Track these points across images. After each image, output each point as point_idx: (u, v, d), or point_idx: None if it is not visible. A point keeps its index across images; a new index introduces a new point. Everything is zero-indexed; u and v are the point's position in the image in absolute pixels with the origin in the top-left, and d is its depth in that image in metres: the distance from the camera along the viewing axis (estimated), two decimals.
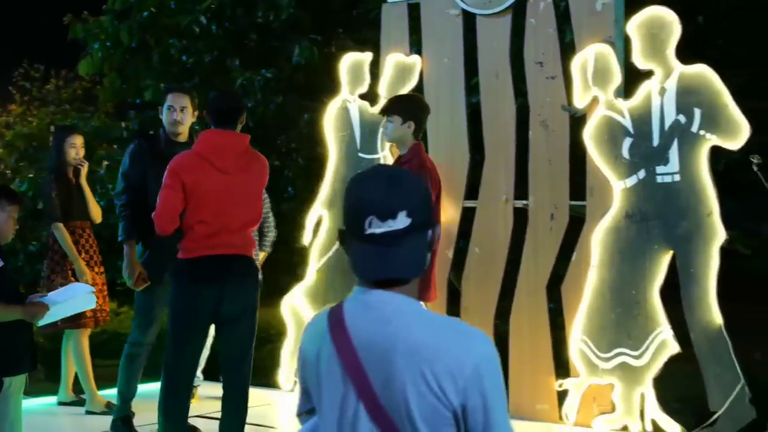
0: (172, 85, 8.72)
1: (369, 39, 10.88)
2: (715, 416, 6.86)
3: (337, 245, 8.48)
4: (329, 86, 11.52)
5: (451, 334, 2.57)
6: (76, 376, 7.98)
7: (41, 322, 6.12)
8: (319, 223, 8.62)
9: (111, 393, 7.86)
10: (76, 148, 7.83)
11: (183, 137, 7.03)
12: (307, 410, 2.85)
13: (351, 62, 8.54)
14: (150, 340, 7.01)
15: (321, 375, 2.65)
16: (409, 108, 6.64)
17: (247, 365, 6.09)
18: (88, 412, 7.75)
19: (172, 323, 6.01)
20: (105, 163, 11.30)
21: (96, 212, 7.93)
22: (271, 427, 7.38)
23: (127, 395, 6.97)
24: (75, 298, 6.31)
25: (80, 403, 7.93)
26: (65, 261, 7.67)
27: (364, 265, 2.62)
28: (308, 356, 2.72)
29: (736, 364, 6.82)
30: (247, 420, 6.49)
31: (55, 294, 6.46)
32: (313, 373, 2.69)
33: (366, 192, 2.59)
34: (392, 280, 2.61)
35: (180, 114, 6.96)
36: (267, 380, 8.73)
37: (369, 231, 2.56)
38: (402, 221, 2.56)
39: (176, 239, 6.03)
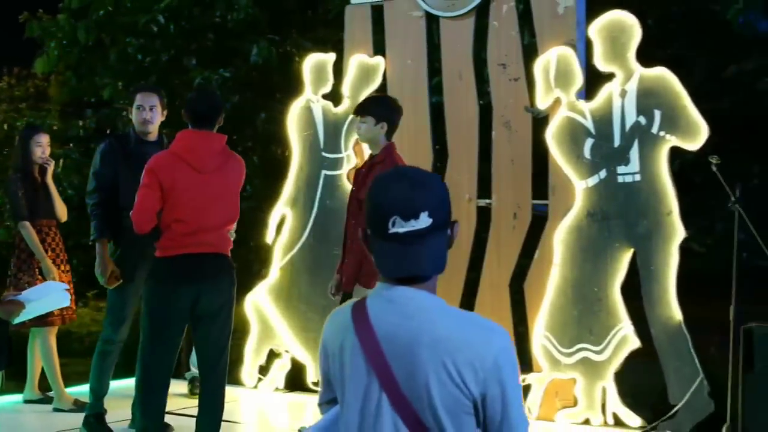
0: (141, 84, 8.75)
1: (327, 39, 11.03)
2: (675, 409, 7.07)
3: (301, 243, 8.60)
4: (285, 85, 11.64)
5: (473, 328, 2.70)
6: (41, 374, 8.02)
7: (16, 320, 6.18)
8: (283, 221, 8.71)
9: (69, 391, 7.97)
10: (42, 146, 7.85)
11: (152, 136, 7.08)
12: (327, 400, 2.98)
13: (314, 63, 8.63)
14: (122, 338, 7.08)
15: (344, 367, 2.77)
16: (382, 109, 6.74)
17: (223, 362, 6.18)
18: (56, 410, 7.80)
19: (150, 322, 6.08)
20: (61, 161, 11.30)
21: (62, 211, 7.95)
22: (237, 423, 7.47)
23: (99, 392, 7.02)
24: (49, 296, 6.36)
25: (46, 400, 7.97)
26: (32, 259, 7.70)
27: (388, 263, 2.74)
28: (331, 349, 2.84)
29: (695, 359, 7.03)
30: None
31: (29, 292, 6.49)
32: (337, 364, 2.81)
33: (390, 193, 2.71)
34: (414, 277, 2.73)
35: (149, 113, 7.01)
36: (230, 377, 8.80)
37: (392, 230, 2.68)
38: (424, 221, 2.68)
39: (148, 238, 6.11)
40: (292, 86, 11.54)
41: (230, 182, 6.11)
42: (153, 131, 7.07)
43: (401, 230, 2.68)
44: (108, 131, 11.62)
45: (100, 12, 11.34)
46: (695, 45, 9.68)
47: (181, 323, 6.13)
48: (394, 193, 2.71)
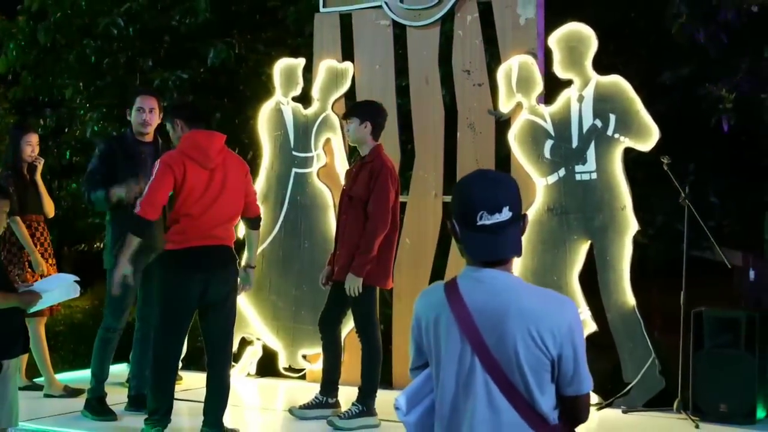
0: (141, 87, 9.21)
1: (278, 42, 11.58)
2: (629, 387, 7.75)
3: (271, 237, 9.09)
4: (236, 86, 12.13)
5: (550, 301, 3.30)
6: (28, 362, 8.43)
7: (32, 309, 6.67)
8: None
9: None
10: (32, 146, 8.25)
11: (149, 137, 7.56)
12: (418, 366, 3.54)
13: (284, 66, 9.11)
14: (122, 326, 7.54)
15: (440, 336, 3.34)
16: (365, 110, 7.33)
17: (229, 347, 6.76)
18: (47, 396, 8.20)
19: (162, 309, 6.61)
20: None
21: (49, 207, 8.37)
22: (196, 401, 7.81)
23: (100, 377, 7.48)
24: (62, 286, 6.85)
25: (34, 387, 8.35)
26: (22, 252, 8.10)
27: (476, 250, 3.32)
28: (425, 322, 3.41)
29: (648, 340, 7.72)
30: (187, 397, 7.10)
31: (43, 283, 6.99)
32: (431, 335, 3.38)
33: (477, 192, 3.29)
34: (498, 261, 3.32)
35: (149, 115, 7.49)
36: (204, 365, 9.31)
37: (480, 223, 3.26)
38: (506, 214, 3.27)
39: (147, 234, 6.65)
40: (241, 87, 12.07)
41: (232, 178, 6.64)
42: (150, 132, 7.55)
43: (488, 222, 3.26)
44: (66, 130, 11.99)
45: (57, 14, 11.69)
46: (632, 52, 10.38)
47: (191, 311, 6.66)
48: (480, 192, 3.29)
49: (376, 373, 7.27)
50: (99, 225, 12.15)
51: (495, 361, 3.25)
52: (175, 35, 11.80)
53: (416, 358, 3.55)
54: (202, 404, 6.78)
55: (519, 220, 3.33)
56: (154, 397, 6.67)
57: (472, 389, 3.29)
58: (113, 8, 11.44)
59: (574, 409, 3.35)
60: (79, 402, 7.81)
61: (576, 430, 3.44)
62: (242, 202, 6.74)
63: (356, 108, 7.46)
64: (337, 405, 7.40)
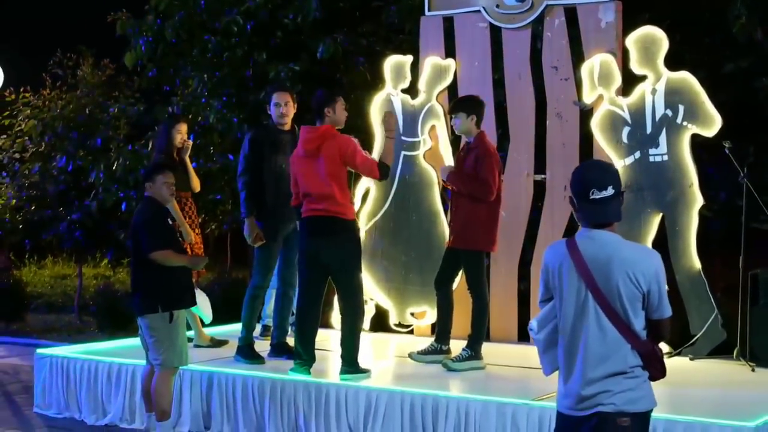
0: (275, 85, 10.67)
1: (385, 38, 12.98)
2: (695, 338, 9.03)
3: (383, 211, 10.41)
4: (335, 76, 13.49)
5: (642, 252, 4.69)
6: None
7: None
8: (367, 193, 10.49)
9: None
10: (181, 133, 9.63)
11: (288, 126, 9.01)
12: (545, 299, 4.91)
13: (394, 63, 10.40)
14: (267, 284, 9.04)
15: (563, 277, 4.70)
16: (470, 105, 8.60)
17: (353, 303, 8.23)
18: (197, 346, 9.57)
19: (298, 266, 8.34)
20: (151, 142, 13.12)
21: (195, 183, 9.73)
22: (329, 350, 9.23)
23: (250, 327, 8.94)
24: None
25: None
26: (173, 224, 9.51)
27: (589, 216, 4.69)
28: (552, 267, 4.77)
29: (711, 298, 8.98)
30: (328, 348, 8.75)
31: None
32: (556, 277, 4.74)
33: (590, 175, 4.68)
34: (604, 224, 4.69)
35: (285, 108, 8.95)
36: (322, 322, 10.68)
37: (592, 197, 4.63)
38: (610, 191, 4.64)
39: (286, 209, 8.28)
40: (337, 76, 13.43)
41: (323, 161, 8.02)
42: (287, 122, 8.99)
43: (597, 197, 4.63)
44: (190, 116, 13.44)
45: (181, 12, 13.16)
46: (698, 44, 11.60)
47: (312, 270, 8.17)
48: (592, 175, 4.68)
49: (484, 325, 8.61)
50: (219, 201, 13.67)
51: (602, 295, 4.61)
52: (285, 30, 13.19)
53: (544, 293, 4.92)
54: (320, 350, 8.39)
55: (619, 195, 4.69)
56: (300, 343, 8.14)
57: (586, 315, 4.65)
58: (233, 8, 12.86)
59: (658, 329, 4.73)
60: (224, 351, 9.30)
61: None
62: (339, 182, 8.04)
63: (462, 103, 8.69)
64: (449, 351, 8.74)
